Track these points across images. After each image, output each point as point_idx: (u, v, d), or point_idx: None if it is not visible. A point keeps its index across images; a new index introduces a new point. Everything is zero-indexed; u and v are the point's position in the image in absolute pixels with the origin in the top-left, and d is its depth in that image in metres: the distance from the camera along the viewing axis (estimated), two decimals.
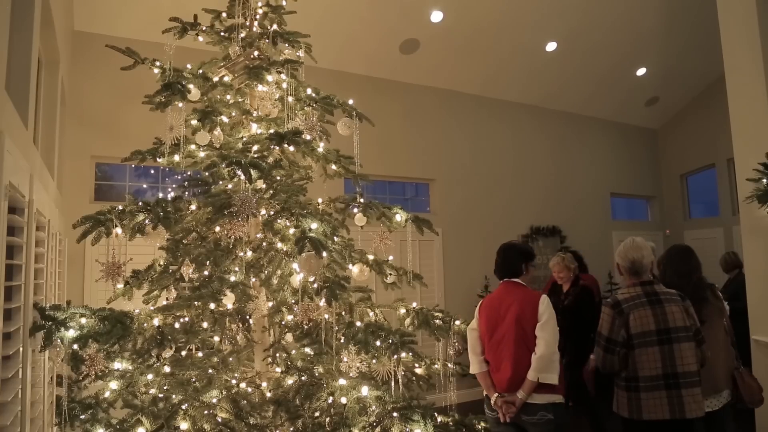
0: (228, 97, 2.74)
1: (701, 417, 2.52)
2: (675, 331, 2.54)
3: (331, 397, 2.12)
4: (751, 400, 2.90)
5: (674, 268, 3.09)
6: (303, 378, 2.26)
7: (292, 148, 2.41)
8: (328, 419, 2.16)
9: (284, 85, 2.62)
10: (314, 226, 2.06)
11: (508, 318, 2.73)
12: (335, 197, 2.78)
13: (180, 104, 2.46)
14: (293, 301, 2.40)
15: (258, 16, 2.87)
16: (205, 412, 2.03)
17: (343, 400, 2.05)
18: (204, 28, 2.83)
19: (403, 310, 2.72)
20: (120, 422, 2.16)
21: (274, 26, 2.87)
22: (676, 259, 3.13)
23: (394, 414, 1.88)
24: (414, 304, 2.73)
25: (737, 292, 4.67)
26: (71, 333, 1.77)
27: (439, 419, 2.13)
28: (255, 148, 2.32)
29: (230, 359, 2.46)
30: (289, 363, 2.36)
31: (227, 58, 2.75)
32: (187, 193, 2.73)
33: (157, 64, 2.67)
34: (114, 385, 2.35)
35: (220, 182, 2.64)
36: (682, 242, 7.92)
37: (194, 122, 2.55)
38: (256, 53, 2.59)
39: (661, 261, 3.28)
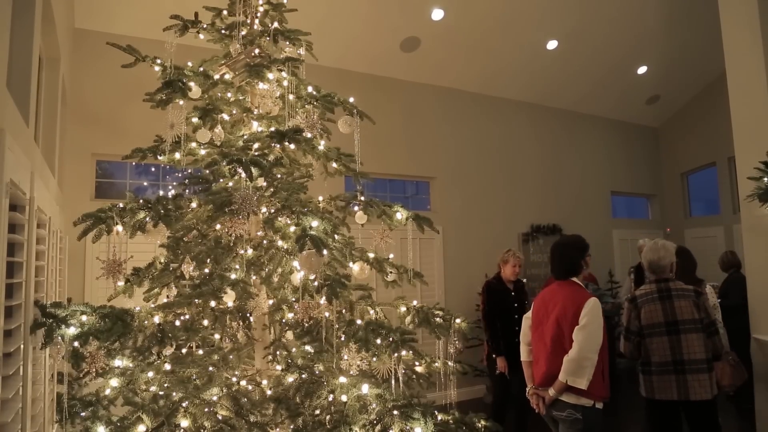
0: (229, 94, 2.74)
1: (707, 399, 2.89)
2: (683, 323, 2.95)
3: (331, 395, 2.12)
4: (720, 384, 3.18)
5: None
6: (303, 376, 2.26)
7: (292, 146, 2.41)
8: (328, 417, 2.16)
9: (285, 83, 2.62)
10: (315, 224, 2.06)
11: (552, 316, 2.79)
12: (336, 195, 2.78)
13: (181, 102, 2.46)
14: (294, 299, 2.41)
15: (259, 14, 2.87)
16: (206, 409, 2.03)
17: (344, 398, 2.05)
18: (205, 26, 2.83)
19: (403, 308, 2.72)
20: (120, 420, 2.17)
21: (275, 24, 2.87)
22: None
23: (395, 412, 1.88)
24: (414, 302, 2.73)
25: (727, 291, 4.97)
26: (72, 330, 1.77)
27: (439, 417, 2.12)
28: (256, 145, 2.31)
29: (231, 357, 2.46)
30: (289, 361, 2.36)
31: (228, 56, 2.74)
32: (187, 190, 2.73)
33: (158, 61, 2.67)
34: (114, 382, 2.35)
35: (221, 180, 2.65)
36: (683, 241, 7.92)
37: (195, 120, 2.55)
38: (257, 51, 2.59)
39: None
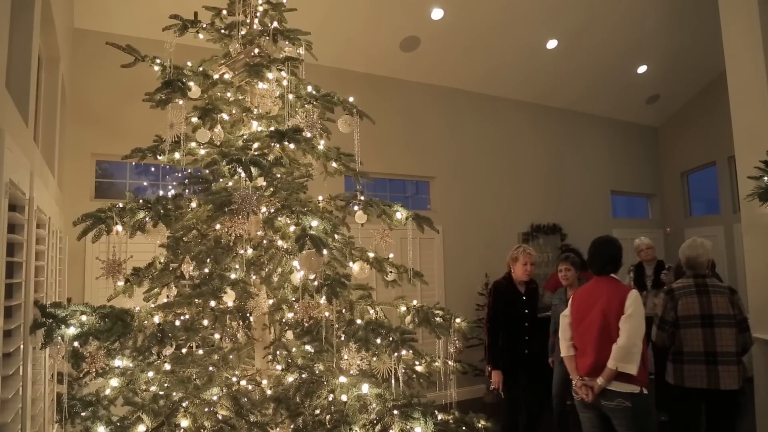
0: (228, 94, 2.73)
1: (733, 390, 3.09)
2: (717, 318, 3.15)
3: (331, 395, 2.12)
4: None
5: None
6: (303, 376, 2.26)
7: (292, 146, 2.40)
8: (328, 417, 2.16)
9: (285, 83, 2.62)
10: (315, 223, 2.06)
11: (595, 309, 2.95)
12: (336, 195, 2.77)
13: (180, 102, 2.45)
14: (294, 299, 2.40)
15: (258, 14, 2.86)
16: (206, 409, 2.03)
17: (344, 397, 2.05)
18: (204, 26, 2.82)
19: (403, 308, 2.72)
20: (120, 420, 2.17)
21: (275, 24, 2.87)
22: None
23: (395, 412, 1.88)
24: (414, 302, 2.73)
25: None
26: (72, 330, 1.77)
27: (439, 417, 2.12)
28: (255, 145, 2.31)
29: (231, 357, 2.46)
30: (289, 361, 2.36)
31: (228, 56, 2.74)
32: (187, 190, 2.73)
33: (158, 61, 2.66)
34: (114, 382, 2.35)
35: (221, 180, 2.64)
36: (683, 241, 7.91)
37: (195, 120, 2.55)
38: (256, 51, 2.59)
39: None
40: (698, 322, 3.16)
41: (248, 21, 2.83)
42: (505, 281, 4.03)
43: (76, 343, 1.78)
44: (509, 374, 3.85)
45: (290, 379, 2.31)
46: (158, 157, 2.63)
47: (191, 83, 2.50)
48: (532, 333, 3.98)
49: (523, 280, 3.96)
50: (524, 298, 3.96)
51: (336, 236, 2.32)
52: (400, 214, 2.60)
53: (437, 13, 5.47)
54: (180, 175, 2.83)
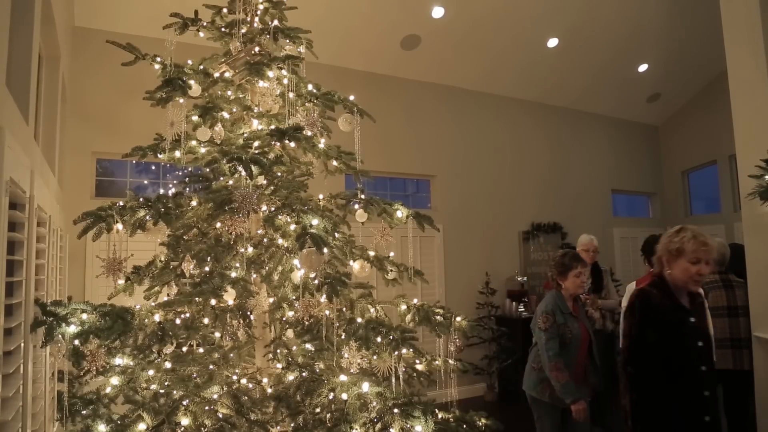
0: (229, 93, 2.73)
1: (751, 371, 3.44)
2: (742, 309, 3.58)
3: (331, 393, 2.12)
4: None
5: None
6: (304, 374, 2.26)
7: (293, 144, 2.40)
8: (328, 415, 2.16)
9: (285, 81, 2.61)
10: (315, 222, 2.06)
11: None
12: (336, 193, 2.78)
13: (181, 100, 2.45)
14: (294, 298, 2.40)
15: (259, 12, 2.86)
16: (206, 407, 2.03)
17: (344, 396, 2.05)
18: (205, 24, 2.82)
19: (404, 307, 2.72)
20: (121, 418, 2.17)
21: (275, 22, 2.86)
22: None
23: (395, 410, 1.88)
24: (415, 301, 2.73)
25: None
26: (72, 329, 1.77)
27: (439, 415, 2.12)
28: (256, 144, 2.31)
29: (231, 355, 2.46)
30: (289, 359, 2.36)
31: (228, 54, 2.74)
32: (187, 189, 2.73)
33: (158, 59, 2.66)
34: (115, 380, 2.35)
35: (221, 178, 2.64)
36: None
37: (195, 118, 2.54)
38: (257, 49, 2.58)
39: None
40: (725, 313, 3.56)
41: (249, 19, 2.83)
42: (658, 290, 2.33)
43: (76, 342, 1.78)
44: None
45: (291, 377, 2.31)
46: (159, 155, 2.63)
47: (192, 81, 2.50)
48: (711, 382, 2.27)
49: (690, 288, 2.32)
50: (692, 320, 2.29)
51: (336, 235, 2.32)
52: (401, 212, 2.60)
53: (438, 12, 5.46)
54: (180, 173, 2.83)
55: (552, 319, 3.15)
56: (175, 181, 2.84)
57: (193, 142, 2.65)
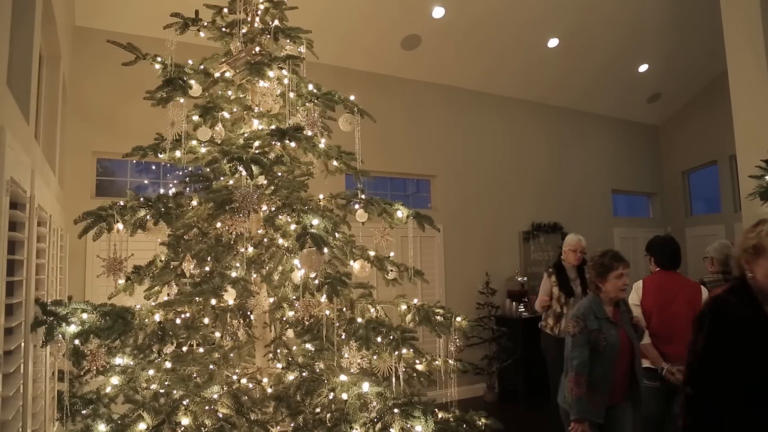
0: (229, 92, 2.73)
1: None
2: None
3: (332, 393, 2.12)
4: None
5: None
6: (304, 374, 2.25)
7: (293, 144, 2.40)
8: (329, 415, 2.16)
9: (286, 81, 2.61)
10: (315, 222, 2.06)
11: (679, 299, 3.25)
12: (336, 193, 2.77)
13: (181, 100, 2.45)
14: (294, 297, 2.40)
15: (259, 12, 2.86)
16: (206, 407, 2.03)
17: (344, 396, 2.05)
18: (205, 24, 2.82)
19: (404, 307, 2.72)
20: (121, 417, 2.17)
21: (276, 22, 2.86)
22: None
23: (395, 410, 1.88)
24: (415, 301, 2.73)
25: None
26: (73, 328, 1.77)
27: (439, 415, 2.13)
28: (256, 144, 2.31)
29: (231, 355, 2.46)
30: (290, 359, 2.36)
31: (229, 54, 2.74)
32: (188, 188, 2.73)
33: (159, 59, 2.66)
34: (115, 380, 2.35)
35: (222, 178, 2.64)
36: (684, 240, 7.92)
37: (195, 118, 2.54)
38: (257, 49, 2.58)
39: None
40: None
41: (249, 19, 2.83)
42: (738, 299, 1.88)
43: (76, 341, 1.78)
44: None
45: (291, 377, 2.31)
46: (159, 155, 2.63)
47: (192, 81, 2.49)
48: None
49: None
50: None
51: (337, 235, 2.32)
52: (401, 212, 2.60)
53: (438, 12, 5.46)
54: (181, 173, 2.83)
55: (582, 324, 2.84)
56: (175, 181, 2.84)
57: (194, 142, 2.65)
